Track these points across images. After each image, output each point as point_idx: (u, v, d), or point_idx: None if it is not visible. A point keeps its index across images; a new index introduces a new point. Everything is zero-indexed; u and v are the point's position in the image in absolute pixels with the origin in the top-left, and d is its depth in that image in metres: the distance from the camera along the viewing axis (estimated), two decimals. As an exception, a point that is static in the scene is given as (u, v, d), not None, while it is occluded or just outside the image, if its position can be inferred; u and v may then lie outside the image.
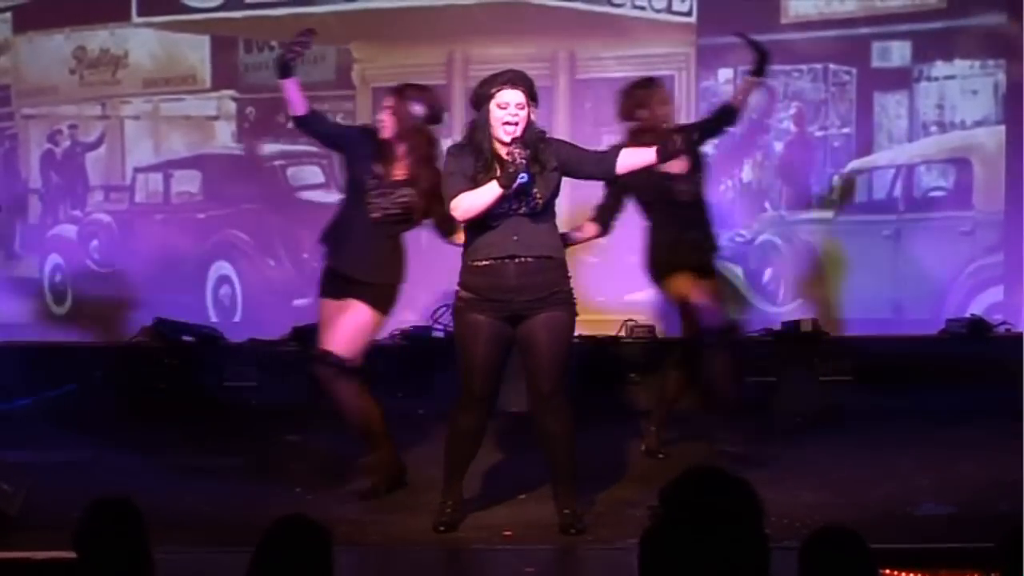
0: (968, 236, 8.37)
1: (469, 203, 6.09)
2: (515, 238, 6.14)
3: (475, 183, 6.08)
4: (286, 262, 8.28)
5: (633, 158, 6.21)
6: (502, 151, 6.09)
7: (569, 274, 6.27)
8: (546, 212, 6.19)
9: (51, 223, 8.56)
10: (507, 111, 6.06)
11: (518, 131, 6.05)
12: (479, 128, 6.14)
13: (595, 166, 6.29)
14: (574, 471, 6.39)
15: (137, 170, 8.53)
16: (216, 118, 8.57)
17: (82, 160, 8.57)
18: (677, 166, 6.86)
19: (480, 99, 6.15)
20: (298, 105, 6.71)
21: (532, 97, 6.16)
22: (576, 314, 6.30)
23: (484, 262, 6.18)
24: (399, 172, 6.64)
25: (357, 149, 6.71)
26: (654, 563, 4.28)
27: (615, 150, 6.33)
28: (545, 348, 6.21)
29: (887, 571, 5.38)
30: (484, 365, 6.23)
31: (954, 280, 8.36)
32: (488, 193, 6.06)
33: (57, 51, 8.53)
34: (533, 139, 6.12)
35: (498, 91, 6.11)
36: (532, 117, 6.14)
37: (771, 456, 7.10)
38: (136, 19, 8.47)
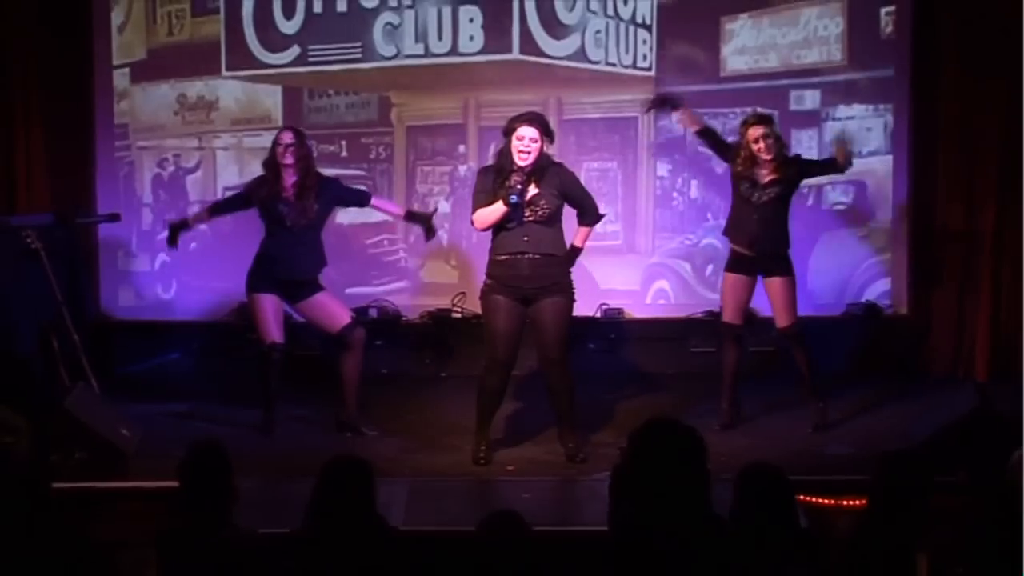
0: (864, 240, 8.34)
1: (483, 216, 6.23)
2: (525, 239, 6.20)
3: (493, 194, 6.12)
4: (340, 259, 8.26)
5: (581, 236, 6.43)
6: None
7: (570, 270, 6.32)
8: (551, 221, 6.23)
9: (159, 229, 8.51)
10: (522, 142, 6.16)
11: (530, 159, 6.12)
12: (504, 153, 6.22)
13: (579, 212, 6.40)
14: (574, 415, 6.42)
15: (226, 189, 8.49)
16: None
17: (183, 181, 8.53)
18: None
19: (507, 131, 6.25)
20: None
21: (547, 133, 6.21)
22: (574, 299, 6.34)
23: (503, 256, 6.24)
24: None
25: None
26: (622, 491, 4.26)
27: (586, 218, 6.40)
28: (551, 325, 6.25)
29: (802, 497, 5.36)
30: (505, 335, 6.25)
31: (853, 273, 8.32)
32: (496, 210, 6.12)
33: (164, 97, 8.49)
34: (542, 166, 6.18)
35: (518, 127, 6.20)
36: (545, 149, 6.19)
37: (712, 408, 7.08)
38: (225, 73, 8.43)
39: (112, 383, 7.41)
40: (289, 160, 6.64)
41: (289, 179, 6.67)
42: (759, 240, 6.77)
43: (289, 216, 6.65)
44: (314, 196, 6.69)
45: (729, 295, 6.91)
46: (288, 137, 6.70)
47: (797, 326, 6.85)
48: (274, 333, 6.74)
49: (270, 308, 6.74)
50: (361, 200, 7.03)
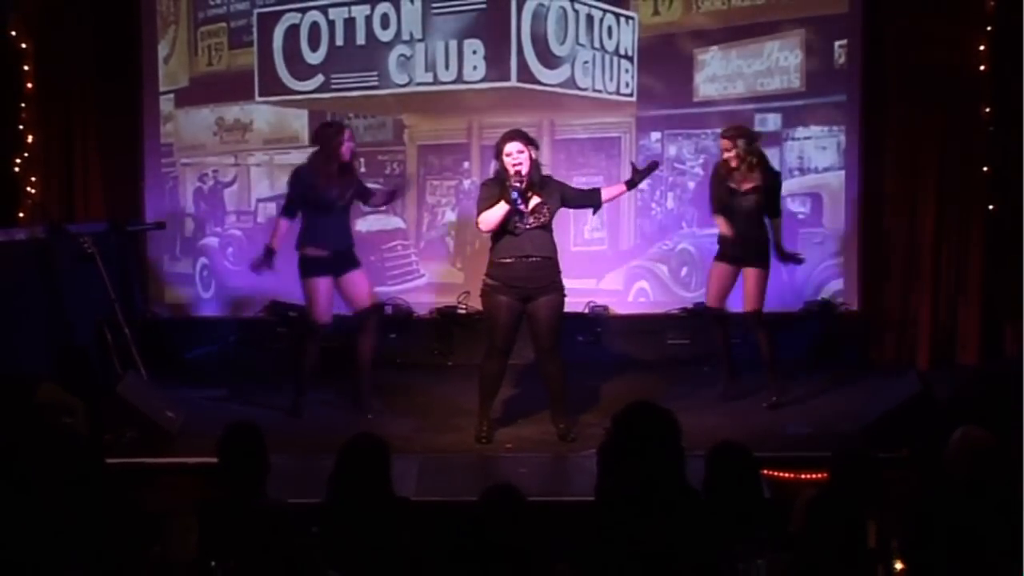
0: (819, 245, 8.33)
1: (488, 217, 6.23)
2: (526, 244, 6.20)
3: (497, 199, 6.20)
4: (362, 261, 8.25)
5: (610, 192, 6.46)
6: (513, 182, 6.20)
7: (561, 270, 6.33)
8: (547, 228, 6.25)
9: (200, 236, 8.52)
10: (511, 157, 6.18)
11: (524, 167, 6.16)
12: (502, 171, 6.23)
13: (587, 198, 6.44)
14: (565, 399, 6.43)
15: (259, 200, 8.49)
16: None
17: (221, 194, 8.53)
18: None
19: (497, 153, 6.27)
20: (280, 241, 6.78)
21: (529, 143, 6.25)
22: (565, 296, 6.36)
23: (508, 259, 6.25)
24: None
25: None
26: (607, 466, 4.27)
27: (597, 190, 6.47)
28: (545, 319, 6.27)
29: (766, 471, 5.37)
30: (504, 327, 6.27)
31: (810, 274, 8.32)
32: (499, 210, 6.14)
33: (204, 120, 8.49)
34: (536, 176, 6.21)
35: (504, 145, 6.23)
36: (534, 156, 6.23)
37: (686, 392, 7.08)
38: (257, 99, 8.43)
39: (159, 371, 7.40)
40: (347, 157, 6.69)
41: (336, 165, 6.67)
42: (743, 235, 6.87)
43: (340, 196, 6.71)
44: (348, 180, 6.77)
45: (713, 282, 7.05)
46: (351, 138, 6.73)
47: (759, 314, 6.92)
48: (325, 315, 6.75)
49: (324, 291, 6.75)
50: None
